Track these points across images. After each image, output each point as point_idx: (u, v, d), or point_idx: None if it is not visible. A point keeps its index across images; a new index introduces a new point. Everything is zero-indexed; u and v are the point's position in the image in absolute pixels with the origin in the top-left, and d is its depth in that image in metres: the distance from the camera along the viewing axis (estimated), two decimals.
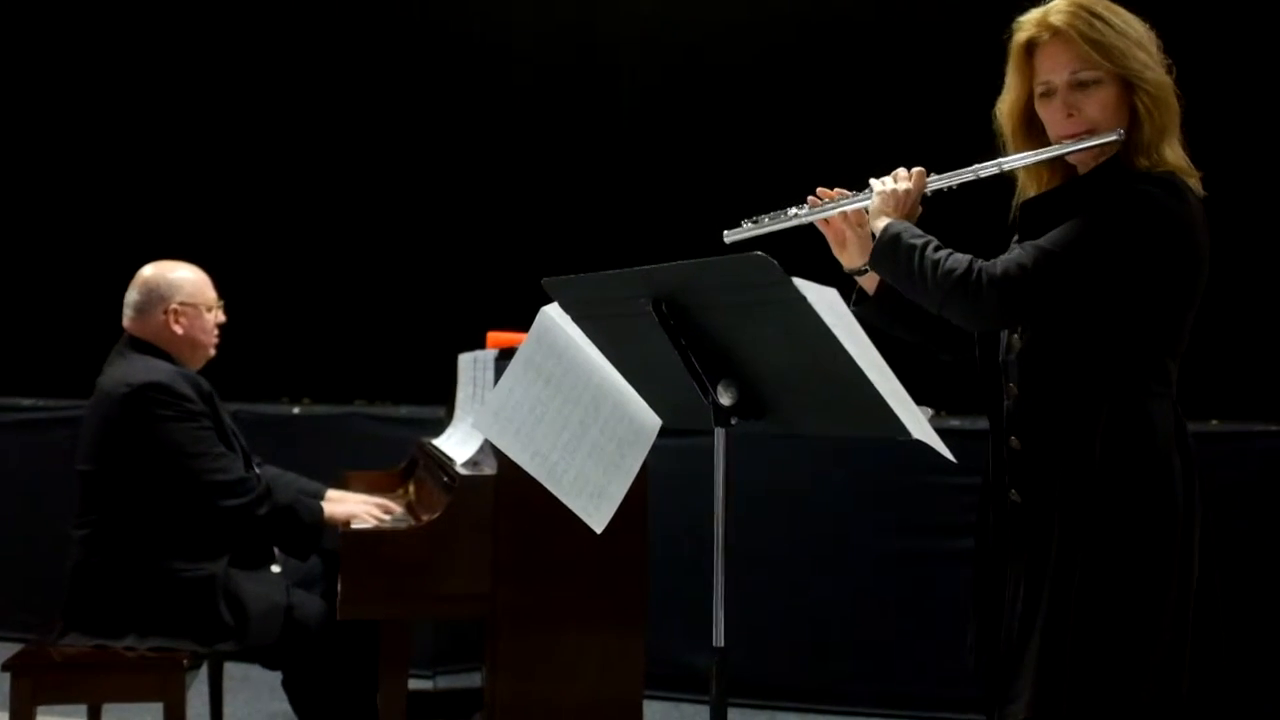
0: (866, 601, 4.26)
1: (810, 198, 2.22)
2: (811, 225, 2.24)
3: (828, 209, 2.18)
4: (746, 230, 2.25)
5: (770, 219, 2.21)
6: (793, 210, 2.19)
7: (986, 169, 2.08)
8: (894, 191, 2.12)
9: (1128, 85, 1.99)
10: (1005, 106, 2.14)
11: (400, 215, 5.60)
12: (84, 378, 3.29)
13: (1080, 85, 2.01)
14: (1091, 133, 2.01)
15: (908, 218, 2.10)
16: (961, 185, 2.11)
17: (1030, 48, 2.07)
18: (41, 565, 4.51)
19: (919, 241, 2.02)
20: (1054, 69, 2.03)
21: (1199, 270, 1.99)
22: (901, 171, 2.15)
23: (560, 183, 5.41)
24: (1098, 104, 2.00)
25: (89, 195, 5.79)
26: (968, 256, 1.99)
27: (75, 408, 3.34)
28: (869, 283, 2.26)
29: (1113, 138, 1.99)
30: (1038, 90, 2.07)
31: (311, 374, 5.56)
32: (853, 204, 2.17)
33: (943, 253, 2.00)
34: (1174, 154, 2.00)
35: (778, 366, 1.75)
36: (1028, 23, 2.07)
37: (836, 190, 2.20)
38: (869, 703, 4.22)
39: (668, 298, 1.77)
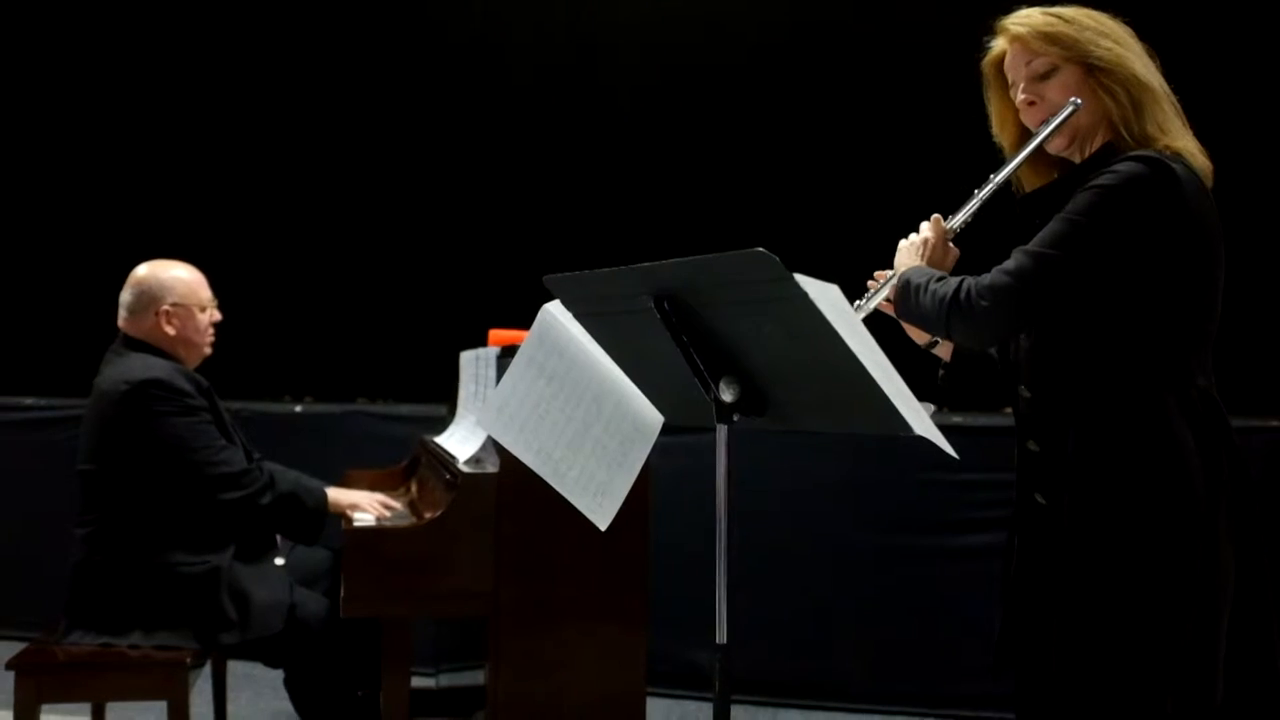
0: (869, 598, 4.26)
1: (870, 281, 2.21)
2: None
3: (880, 292, 2.16)
4: None
5: None
6: (857, 303, 2.16)
7: (985, 189, 2.10)
8: (914, 243, 2.15)
9: (1088, 69, 2.01)
10: (996, 127, 2.18)
11: (401, 213, 5.60)
12: (86, 377, 3.30)
13: (1039, 76, 2.05)
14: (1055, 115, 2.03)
15: (938, 265, 2.12)
16: (993, 215, 2.11)
17: (1000, 64, 2.12)
18: (44, 564, 4.52)
19: (923, 280, 2.04)
20: (1015, 69, 2.09)
21: (1198, 246, 1.94)
22: (924, 225, 2.17)
23: (561, 180, 5.41)
24: (1058, 89, 2.03)
25: (91, 193, 5.79)
26: (959, 277, 2.00)
27: (77, 407, 3.35)
28: (944, 352, 2.30)
29: (1069, 109, 2.01)
30: (1014, 98, 2.10)
31: (313, 372, 5.56)
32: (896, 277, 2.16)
33: (940, 282, 2.01)
34: (1161, 131, 1.99)
35: (780, 363, 1.75)
36: (992, 42, 2.13)
37: (886, 272, 2.20)
38: (872, 699, 4.23)
39: (669, 295, 1.76)
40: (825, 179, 4.98)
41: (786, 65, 5.17)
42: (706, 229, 4.85)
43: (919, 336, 2.27)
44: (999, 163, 2.13)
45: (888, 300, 2.17)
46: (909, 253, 2.14)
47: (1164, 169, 1.91)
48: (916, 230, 2.18)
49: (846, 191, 4.81)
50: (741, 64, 5.24)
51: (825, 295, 1.61)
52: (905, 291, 2.07)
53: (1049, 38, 2.03)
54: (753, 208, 5.06)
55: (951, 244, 2.15)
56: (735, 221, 4.99)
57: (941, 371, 2.33)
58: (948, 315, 1.97)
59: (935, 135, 4.68)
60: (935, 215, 2.16)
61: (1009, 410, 4.48)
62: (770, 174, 5.12)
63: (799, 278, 1.59)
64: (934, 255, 2.12)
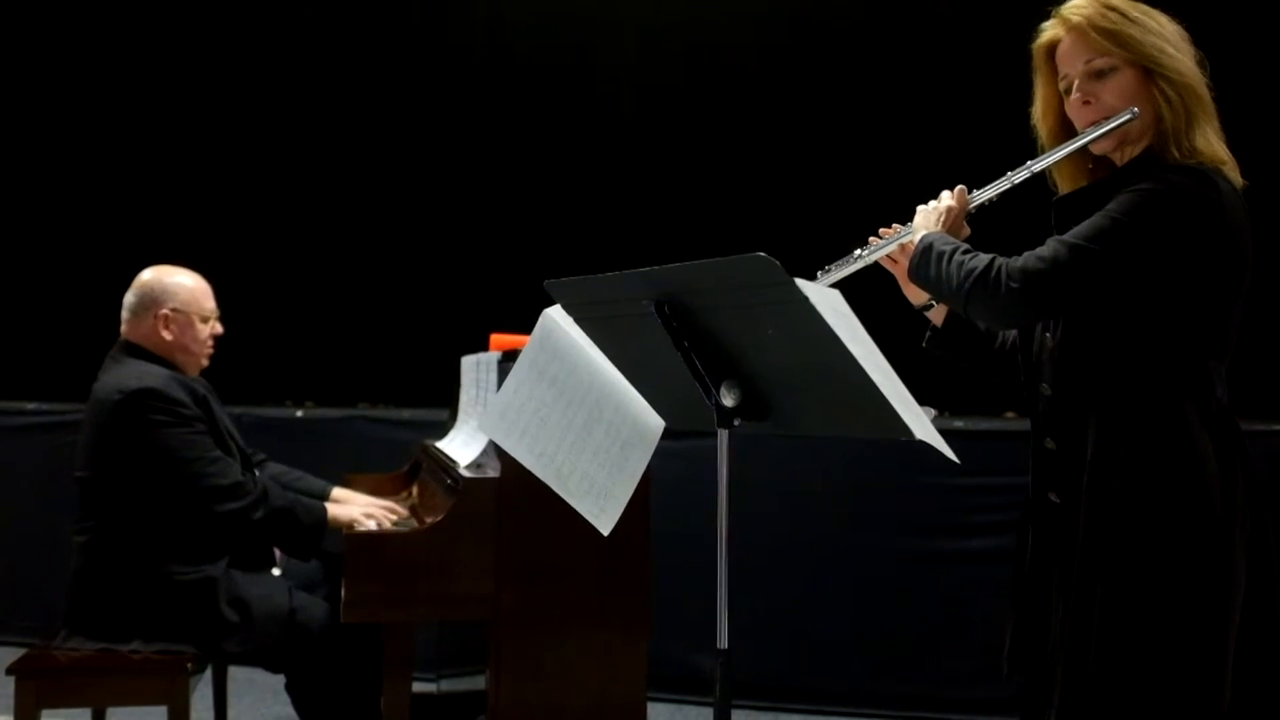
0: (870, 602, 4.26)
1: (871, 238, 2.22)
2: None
3: (886, 245, 2.18)
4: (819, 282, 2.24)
5: (837, 266, 2.19)
6: (857, 252, 2.19)
7: (1019, 174, 2.08)
8: (935, 208, 2.14)
9: (1147, 73, 1.99)
10: (1038, 113, 2.15)
11: (403, 218, 5.61)
12: (88, 382, 3.30)
13: (1096, 74, 2.01)
14: (1109, 119, 2.00)
15: (951, 234, 2.10)
16: (1009, 197, 2.11)
17: (1052, 51, 2.09)
18: (45, 570, 4.52)
19: (948, 248, 2.03)
20: (1071, 62, 2.05)
21: (1233, 261, 1.94)
22: (945, 193, 2.16)
23: (562, 185, 5.41)
24: (1114, 90, 2.00)
25: (94, 199, 5.80)
26: (990, 255, 1.98)
27: (78, 412, 3.34)
28: (936, 316, 2.29)
29: (1127, 116, 1.98)
30: (1061, 89, 2.07)
31: (315, 377, 5.57)
32: (907, 236, 2.17)
33: (968, 255, 2.00)
34: (1207, 144, 1.97)
35: (780, 367, 1.75)
36: (1047, 26, 2.09)
37: (895, 226, 2.20)
38: (872, 704, 4.22)
39: (670, 299, 1.77)
40: (828, 182, 4.98)
41: (789, 67, 5.17)
42: (708, 233, 4.85)
43: (915, 297, 2.27)
44: (1015, 158, 2.11)
45: (892, 258, 2.18)
46: (928, 217, 2.13)
47: (1210, 183, 1.92)
48: (937, 198, 2.17)
49: (849, 195, 4.81)
50: (743, 66, 5.24)
51: (826, 300, 1.61)
52: (926, 255, 2.05)
53: (1112, 36, 1.99)
54: (754, 211, 5.06)
55: (965, 222, 2.15)
56: (737, 225, 4.99)
57: (929, 334, 2.32)
58: (971, 290, 1.96)
59: (939, 138, 4.69)
60: (960, 186, 2.15)
61: (1010, 415, 4.50)
62: (772, 177, 5.12)
63: (800, 282, 1.60)
64: (953, 225, 2.12)
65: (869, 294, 2.18)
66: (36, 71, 5.85)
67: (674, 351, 1.78)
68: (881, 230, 2.22)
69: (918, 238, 2.10)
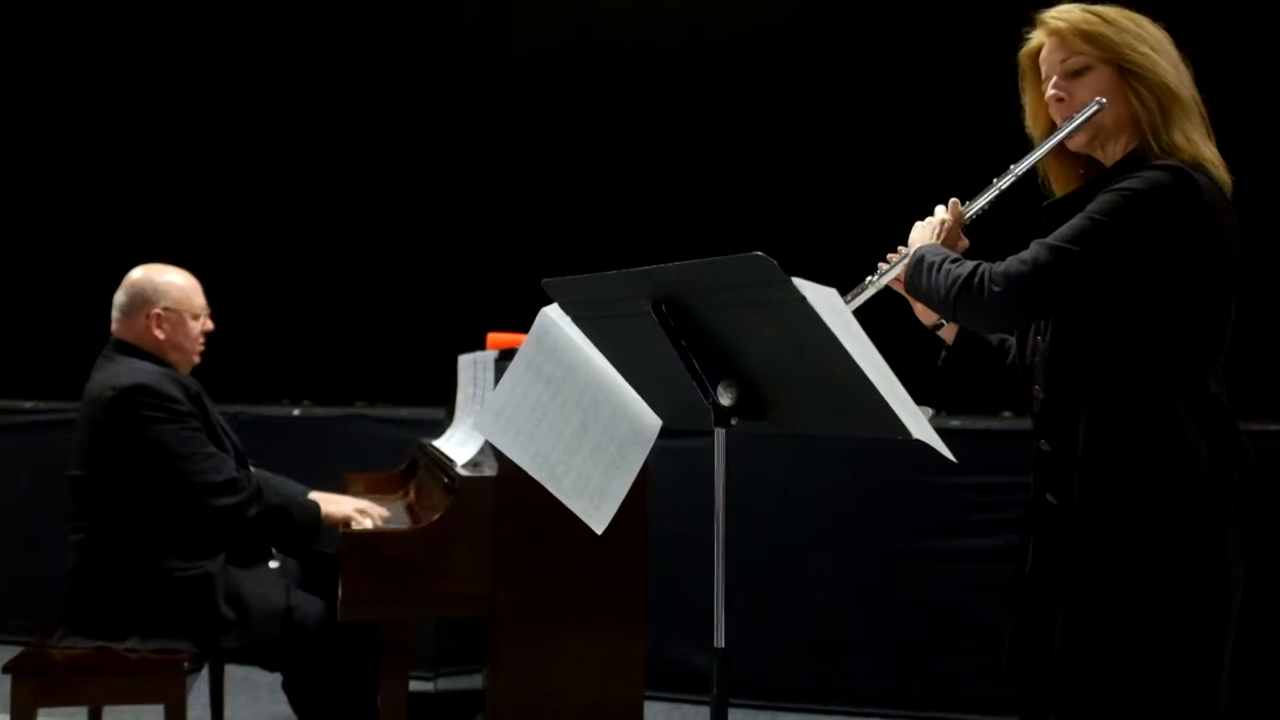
0: (868, 602, 4.26)
1: (880, 263, 2.23)
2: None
3: (893, 269, 2.19)
4: None
5: (852, 296, 2.18)
6: (868, 279, 2.20)
7: (1004, 179, 2.12)
8: (930, 223, 2.17)
9: (1122, 72, 2.02)
10: (1029, 119, 2.19)
11: (400, 217, 5.60)
12: (84, 380, 3.29)
13: (1072, 73, 2.06)
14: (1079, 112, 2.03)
15: (948, 246, 2.13)
16: (1010, 207, 2.12)
17: (1037, 57, 2.12)
18: (41, 568, 4.51)
19: (938, 258, 2.05)
20: (1051, 65, 2.09)
21: (1217, 257, 1.95)
22: (939, 208, 2.19)
23: (560, 183, 5.41)
24: (1088, 87, 2.04)
25: (89, 197, 5.80)
26: (976, 261, 2.01)
27: (74, 410, 3.34)
28: (948, 335, 2.32)
29: (1094, 108, 2.02)
30: (1045, 92, 2.10)
31: (312, 375, 5.56)
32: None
33: (955, 263, 2.02)
34: (1187, 142, 1.99)
35: (778, 366, 1.75)
36: (1032, 34, 2.13)
37: (900, 249, 2.22)
38: (870, 703, 4.22)
39: (668, 298, 1.76)
40: (827, 182, 4.98)
41: (786, 67, 5.17)
42: (706, 232, 4.84)
43: (926, 316, 2.29)
44: (1013, 158, 2.13)
45: (900, 280, 2.19)
46: (924, 231, 2.16)
47: (1188, 179, 1.93)
48: (931, 213, 2.19)
49: (846, 193, 4.81)
50: (741, 66, 5.24)
51: (823, 299, 1.61)
52: (918, 267, 2.08)
53: (1087, 36, 2.03)
54: (753, 211, 5.06)
55: (962, 233, 2.18)
56: (734, 224, 4.99)
57: (943, 354, 2.35)
58: (957, 296, 1.98)
59: (937, 137, 4.69)
60: (954, 199, 2.17)
61: (1007, 414, 4.50)
62: (771, 177, 5.12)
63: (797, 281, 1.59)
64: (949, 238, 2.15)
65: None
66: (31, 70, 5.84)
67: (671, 350, 1.78)
68: (889, 255, 2.24)
69: (912, 252, 2.13)
